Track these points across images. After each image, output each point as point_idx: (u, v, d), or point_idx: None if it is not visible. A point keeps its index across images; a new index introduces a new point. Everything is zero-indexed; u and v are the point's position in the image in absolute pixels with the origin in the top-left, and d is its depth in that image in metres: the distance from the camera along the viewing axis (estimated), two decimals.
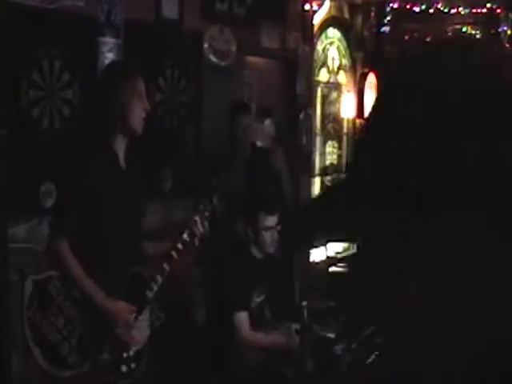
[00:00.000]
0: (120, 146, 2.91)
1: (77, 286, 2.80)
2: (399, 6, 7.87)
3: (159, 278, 2.92)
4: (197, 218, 2.96)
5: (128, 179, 2.93)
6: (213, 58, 5.13)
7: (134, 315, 2.86)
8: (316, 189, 7.30)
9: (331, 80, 7.56)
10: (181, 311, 4.43)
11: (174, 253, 2.93)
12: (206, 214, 2.99)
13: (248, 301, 3.71)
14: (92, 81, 3.17)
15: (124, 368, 2.86)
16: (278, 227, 3.85)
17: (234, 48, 5.30)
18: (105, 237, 2.83)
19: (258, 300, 3.81)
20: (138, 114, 2.89)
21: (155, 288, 2.92)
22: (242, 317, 3.63)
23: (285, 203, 4.61)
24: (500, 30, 7.75)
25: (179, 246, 2.93)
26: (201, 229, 2.95)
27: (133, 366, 2.89)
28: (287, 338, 3.57)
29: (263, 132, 5.25)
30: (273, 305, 3.93)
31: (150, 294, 2.92)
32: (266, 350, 3.67)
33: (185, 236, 2.94)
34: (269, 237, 3.79)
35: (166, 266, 2.92)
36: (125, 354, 2.86)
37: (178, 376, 4.17)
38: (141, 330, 2.92)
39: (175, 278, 3.02)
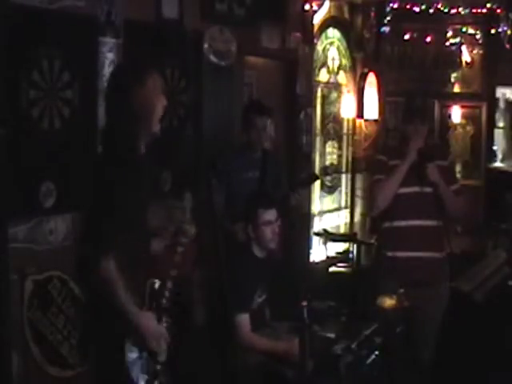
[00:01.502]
0: (143, 148, 2.81)
1: (120, 305, 2.63)
2: (399, 6, 7.86)
3: (170, 285, 2.88)
4: (187, 219, 2.95)
5: (149, 185, 2.88)
6: (213, 58, 5.13)
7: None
8: (316, 189, 7.31)
9: (331, 80, 7.57)
10: (182, 312, 4.43)
11: (176, 257, 2.91)
12: (194, 213, 2.98)
13: (250, 302, 3.71)
14: (109, 81, 2.97)
15: (157, 382, 2.82)
16: (278, 222, 3.85)
17: (234, 48, 5.29)
18: (133, 249, 2.73)
19: (260, 300, 3.81)
20: (157, 116, 2.79)
21: (167, 295, 2.88)
22: (243, 319, 3.62)
23: (285, 202, 4.60)
24: (500, 30, 7.75)
25: (179, 249, 2.92)
26: (193, 229, 2.94)
27: (163, 380, 2.85)
28: (288, 344, 3.57)
29: None
30: (273, 305, 3.93)
31: (164, 302, 2.87)
32: (270, 351, 3.66)
33: (181, 238, 2.93)
34: (269, 232, 3.80)
35: (172, 272, 2.90)
36: (158, 367, 2.82)
37: (181, 376, 4.17)
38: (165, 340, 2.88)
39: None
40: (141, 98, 2.72)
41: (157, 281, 2.88)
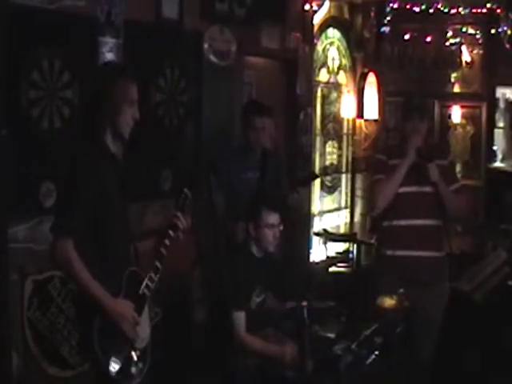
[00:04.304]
0: (112, 145, 2.92)
1: (82, 286, 2.77)
2: (399, 6, 7.86)
3: (154, 276, 2.95)
4: (178, 213, 3.02)
5: (124, 176, 2.95)
6: (213, 58, 5.13)
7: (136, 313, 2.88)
8: (316, 189, 7.31)
9: (331, 80, 7.57)
10: (180, 310, 4.43)
11: (162, 249, 2.98)
12: (186, 207, 3.06)
13: (247, 301, 3.71)
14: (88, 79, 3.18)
15: (134, 369, 2.87)
16: (280, 226, 3.85)
17: (234, 48, 5.30)
18: (103, 236, 2.84)
19: (258, 300, 3.80)
20: (126, 120, 2.89)
21: (151, 285, 2.95)
22: (238, 317, 3.62)
23: (285, 202, 4.60)
24: (500, 30, 7.74)
25: (166, 241, 2.99)
26: (183, 222, 3.02)
27: (140, 365, 2.91)
28: (281, 348, 3.57)
29: None
30: (273, 305, 3.93)
31: (147, 292, 2.94)
32: (261, 353, 3.66)
33: (170, 232, 3.00)
34: (270, 235, 3.80)
35: (157, 263, 2.96)
36: (133, 355, 2.87)
37: (178, 375, 4.17)
38: (144, 328, 2.95)
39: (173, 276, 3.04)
40: (109, 96, 2.85)
41: (136, 270, 2.95)
